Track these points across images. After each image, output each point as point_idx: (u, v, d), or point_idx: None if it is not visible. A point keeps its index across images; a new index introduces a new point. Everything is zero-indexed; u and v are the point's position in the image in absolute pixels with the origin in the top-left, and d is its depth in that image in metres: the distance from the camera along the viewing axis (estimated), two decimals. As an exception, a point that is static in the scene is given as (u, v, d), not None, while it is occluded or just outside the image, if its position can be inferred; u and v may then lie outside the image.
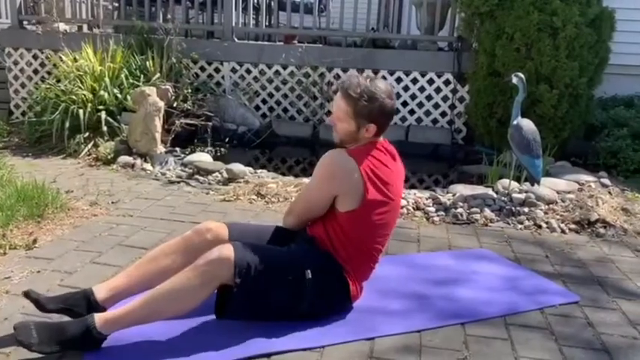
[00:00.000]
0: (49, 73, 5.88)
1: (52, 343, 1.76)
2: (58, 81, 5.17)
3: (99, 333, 1.79)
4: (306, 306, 2.02)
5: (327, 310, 2.09)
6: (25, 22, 6.34)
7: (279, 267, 1.97)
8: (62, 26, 6.02)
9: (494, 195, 3.59)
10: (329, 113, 5.76)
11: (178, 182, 3.96)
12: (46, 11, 6.17)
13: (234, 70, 5.90)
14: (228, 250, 1.89)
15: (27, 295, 1.94)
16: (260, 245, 2.03)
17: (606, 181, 4.02)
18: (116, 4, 6.71)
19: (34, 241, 2.69)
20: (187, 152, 4.77)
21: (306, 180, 3.87)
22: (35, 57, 6.15)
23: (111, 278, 2.10)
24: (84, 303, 1.94)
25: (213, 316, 2.04)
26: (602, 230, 3.25)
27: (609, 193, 3.81)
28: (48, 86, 5.13)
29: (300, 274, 1.97)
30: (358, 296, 2.16)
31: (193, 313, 2.05)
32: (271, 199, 3.59)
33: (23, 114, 5.99)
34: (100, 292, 1.98)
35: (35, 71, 6.16)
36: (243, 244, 1.95)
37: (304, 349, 1.89)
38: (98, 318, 1.81)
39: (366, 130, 2.06)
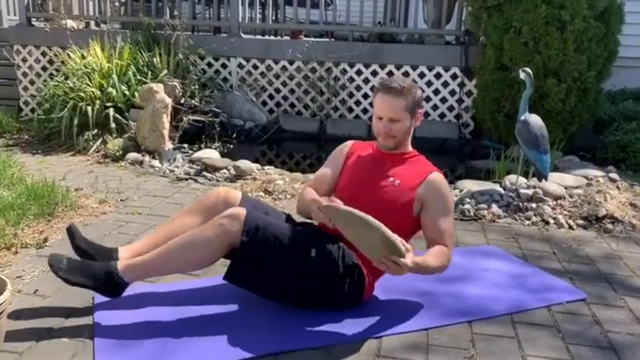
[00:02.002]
0: (57, 70, 5.92)
1: (77, 274, 1.96)
2: (67, 78, 5.20)
3: (119, 277, 1.98)
4: (308, 288, 2.04)
5: (336, 302, 2.10)
6: (33, 20, 6.37)
7: (284, 238, 2.02)
8: (70, 23, 6.05)
9: (502, 191, 3.59)
10: (336, 108, 5.77)
11: (186, 179, 3.98)
12: (53, 8, 6.19)
13: (241, 66, 5.90)
14: (241, 210, 2.02)
15: (69, 229, 2.16)
16: (270, 217, 2.15)
17: (615, 175, 4.00)
18: (123, 1, 6.73)
19: (45, 239, 2.72)
20: (195, 149, 4.80)
21: (312, 176, 3.87)
22: (44, 54, 6.18)
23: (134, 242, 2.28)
24: (106, 258, 2.10)
25: (221, 316, 2.06)
26: (610, 226, 3.24)
27: (617, 188, 3.80)
28: (56, 83, 5.16)
29: (304, 250, 2.03)
30: (370, 292, 2.17)
31: (200, 313, 2.08)
32: (279, 195, 3.60)
33: (32, 111, 6.04)
34: (123, 253, 2.15)
35: (44, 68, 6.20)
36: (254, 211, 2.08)
37: (312, 349, 1.90)
38: (120, 263, 2.02)
39: (417, 119, 2.19)
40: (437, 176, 2.19)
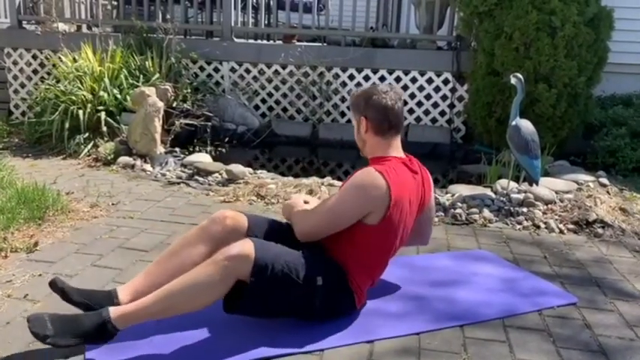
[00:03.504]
0: (48, 73, 5.89)
1: (66, 335, 1.77)
2: (58, 81, 5.17)
3: (113, 327, 1.80)
4: (313, 312, 2.03)
5: (333, 315, 2.10)
6: (24, 22, 6.34)
7: (292, 272, 1.94)
8: (61, 26, 6.03)
9: (493, 195, 3.61)
10: (328, 113, 5.78)
11: (178, 183, 3.97)
12: (45, 11, 6.18)
13: (233, 70, 5.90)
14: (249, 248, 1.88)
15: (53, 284, 1.93)
16: (278, 246, 2.01)
17: (605, 180, 4.03)
18: (115, 4, 6.71)
19: (35, 244, 2.70)
20: (187, 153, 4.79)
21: (305, 181, 3.88)
22: (35, 57, 6.15)
23: (134, 278, 2.07)
24: (107, 304, 1.91)
25: (212, 320, 2.06)
26: (600, 230, 3.26)
27: (607, 192, 3.83)
28: (47, 87, 5.14)
29: (312, 280, 1.97)
30: (362, 301, 2.17)
31: (191, 316, 2.07)
32: (271, 200, 3.60)
33: (23, 114, 6.01)
34: (124, 294, 1.98)
35: (35, 71, 6.16)
36: (262, 243, 1.95)
37: (304, 353, 1.90)
38: (113, 312, 1.82)
39: (362, 126, 2.14)
40: (363, 169, 2.07)
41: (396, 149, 2.16)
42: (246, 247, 1.88)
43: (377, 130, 2.13)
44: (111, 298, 1.95)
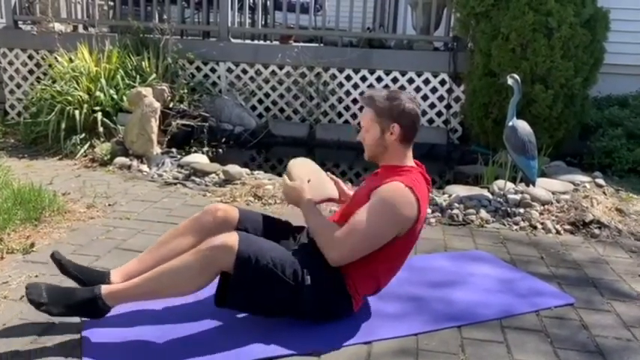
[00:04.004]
0: (44, 73, 5.86)
1: (59, 305, 1.87)
2: (54, 82, 5.15)
3: (104, 303, 1.90)
4: (304, 311, 2.02)
5: (327, 317, 2.09)
6: (20, 23, 6.31)
7: (279, 267, 1.94)
8: (57, 26, 6.00)
9: (490, 196, 3.61)
10: (325, 113, 5.78)
11: (175, 184, 3.96)
12: (41, 11, 6.15)
13: (230, 70, 5.90)
14: (232, 239, 1.91)
15: (53, 255, 2.08)
16: (266, 241, 2.02)
17: (601, 181, 4.05)
18: (111, 4, 6.70)
19: (32, 245, 2.69)
20: (184, 153, 4.77)
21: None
22: (31, 57, 6.13)
23: (127, 263, 2.18)
24: (99, 282, 2.00)
25: (209, 322, 2.06)
26: (596, 231, 3.27)
27: (604, 193, 3.84)
28: (43, 87, 5.11)
29: (298, 278, 1.97)
30: (359, 304, 2.16)
31: (188, 317, 2.07)
32: (268, 200, 3.60)
33: (19, 115, 5.98)
34: (116, 276, 2.09)
35: (31, 72, 6.14)
36: (248, 237, 1.97)
37: (302, 354, 1.90)
38: (104, 289, 1.92)
39: (391, 133, 2.07)
40: (392, 184, 2.00)
41: (410, 158, 2.17)
42: (230, 238, 1.91)
43: (403, 138, 2.11)
44: (103, 278, 2.07)
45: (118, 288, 1.95)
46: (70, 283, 2.07)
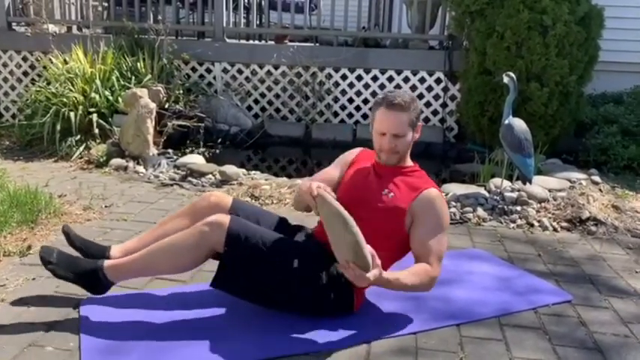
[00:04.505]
0: (39, 75, 5.84)
1: (65, 268, 2.08)
2: (49, 83, 5.13)
3: (104, 275, 2.07)
4: (293, 296, 2.04)
5: (324, 311, 2.09)
6: (13, 24, 6.28)
7: (266, 249, 2.00)
8: (52, 28, 5.98)
9: (487, 194, 3.62)
10: (321, 113, 5.77)
11: (171, 185, 3.95)
12: (35, 13, 6.12)
13: (225, 71, 5.89)
14: (224, 217, 2.03)
15: (63, 229, 2.32)
16: (256, 226, 2.11)
17: (597, 178, 4.06)
18: (106, 5, 6.67)
19: (29, 247, 2.68)
20: (180, 154, 4.76)
21: (299, 181, 3.87)
22: (25, 59, 6.10)
23: (127, 241, 2.36)
24: (99, 256, 2.20)
25: (208, 322, 2.05)
26: (593, 228, 3.28)
27: (600, 190, 3.85)
28: (38, 89, 5.09)
29: (286, 261, 2.02)
30: (361, 302, 2.17)
31: (185, 318, 2.06)
32: (265, 200, 3.59)
33: (13, 117, 5.96)
34: (115, 251, 2.26)
35: (25, 73, 6.11)
36: (238, 218, 2.07)
37: (300, 354, 1.90)
38: (107, 262, 2.11)
39: (417, 131, 2.19)
40: (432, 192, 2.14)
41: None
42: (221, 216, 2.04)
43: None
44: (104, 252, 2.25)
45: (118, 262, 2.10)
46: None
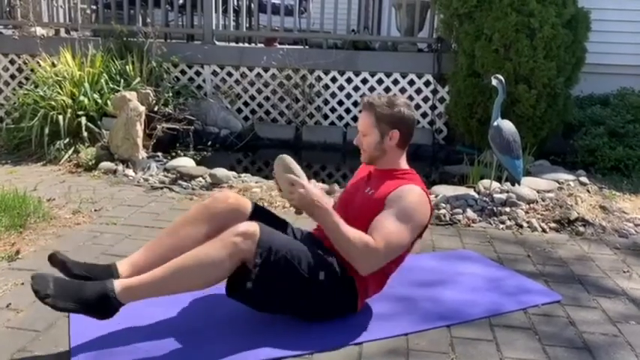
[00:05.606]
0: (26, 78, 5.80)
1: (67, 299, 1.74)
2: (37, 86, 5.10)
3: (116, 300, 1.78)
4: (310, 306, 2.04)
5: (327, 315, 2.11)
6: (0, 27, 6.24)
7: (296, 261, 1.94)
8: (39, 30, 5.93)
9: (476, 195, 3.64)
10: (311, 115, 5.78)
11: (161, 188, 3.94)
12: (22, 15, 6.08)
13: (215, 73, 5.88)
14: (254, 228, 1.88)
15: (52, 257, 1.93)
16: (283, 235, 2.04)
17: (585, 179, 4.10)
18: (94, 7, 6.64)
19: (17, 252, 2.66)
20: (169, 157, 4.75)
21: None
22: (12, 62, 6.05)
23: (133, 253, 2.07)
24: (106, 278, 1.88)
25: (203, 324, 2.05)
26: (581, 229, 3.32)
27: (588, 191, 3.89)
28: (26, 92, 5.06)
29: (314, 273, 1.97)
30: (362, 305, 2.18)
31: (179, 320, 2.06)
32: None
33: (1, 120, 5.88)
34: (123, 268, 1.98)
35: (12, 76, 6.07)
36: (268, 227, 1.94)
37: (292, 356, 1.90)
38: (118, 284, 1.81)
39: (390, 138, 2.12)
40: (411, 187, 2.08)
41: (405, 161, 2.22)
42: (251, 226, 1.88)
43: (402, 144, 2.17)
44: (111, 272, 1.95)
45: (132, 283, 1.82)
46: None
